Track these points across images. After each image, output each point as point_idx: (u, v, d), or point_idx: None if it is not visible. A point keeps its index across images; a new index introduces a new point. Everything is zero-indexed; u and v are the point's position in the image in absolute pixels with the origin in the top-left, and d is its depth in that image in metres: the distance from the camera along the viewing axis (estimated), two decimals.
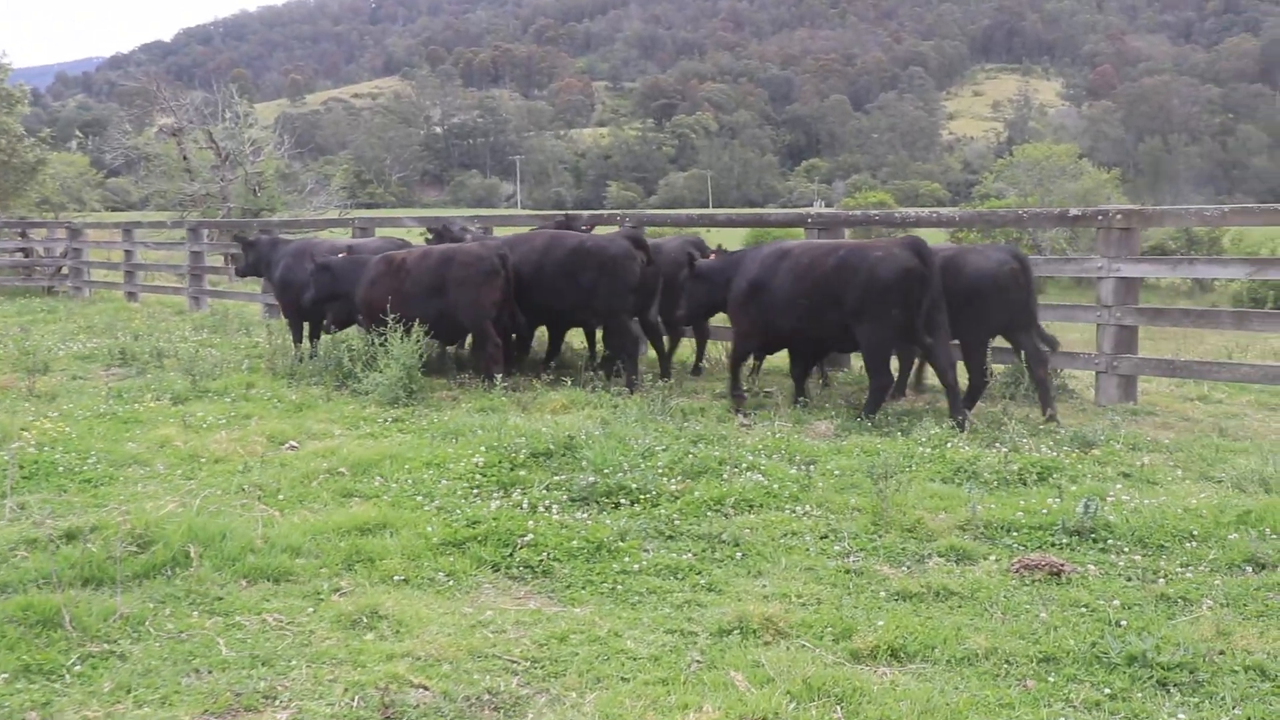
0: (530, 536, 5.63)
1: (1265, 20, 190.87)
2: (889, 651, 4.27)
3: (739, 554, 5.48)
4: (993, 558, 5.36)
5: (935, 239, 13.26)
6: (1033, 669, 4.13)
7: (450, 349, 11.92)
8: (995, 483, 6.56)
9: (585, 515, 6.04)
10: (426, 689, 4.01)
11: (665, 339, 11.21)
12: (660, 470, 6.72)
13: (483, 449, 7.22)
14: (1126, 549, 5.41)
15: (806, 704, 3.84)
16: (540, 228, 12.24)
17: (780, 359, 10.65)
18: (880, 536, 5.69)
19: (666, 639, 4.45)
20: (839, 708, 3.82)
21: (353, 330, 11.38)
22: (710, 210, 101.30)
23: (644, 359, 11.57)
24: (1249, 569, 5.13)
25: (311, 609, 4.80)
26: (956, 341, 8.88)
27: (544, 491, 6.46)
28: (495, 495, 6.45)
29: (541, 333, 11.89)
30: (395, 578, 5.18)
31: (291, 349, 11.84)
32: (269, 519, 5.95)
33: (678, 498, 6.27)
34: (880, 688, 3.96)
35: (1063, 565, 5.14)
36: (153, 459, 7.45)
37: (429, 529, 5.77)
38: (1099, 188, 44.86)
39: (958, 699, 3.86)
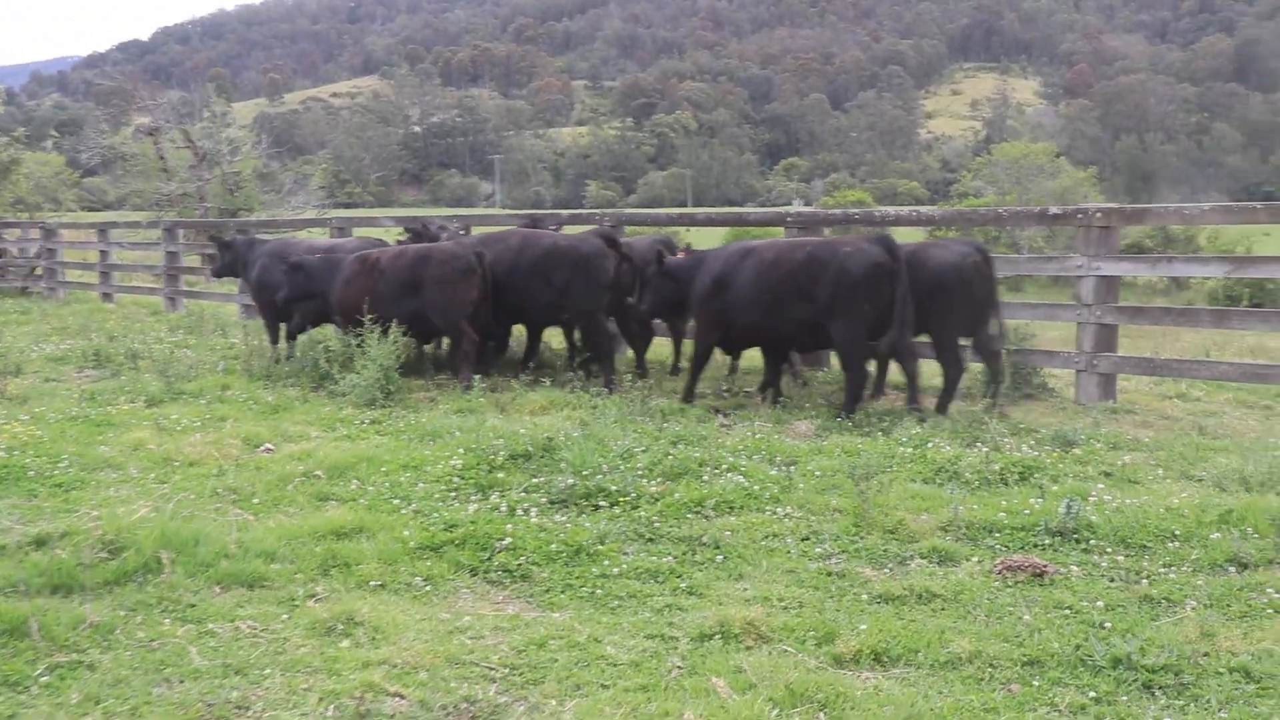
0: (509, 540, 5.56)
1: (1239, 20, 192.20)
2: (872, 656, 4.23)
3: (720, 557, 5.42)
4: (975, 559, 5.32)
5: (915, 238, 13.25)
6: (1017, 673, 4.09)
7: (428, 349, 11.84)
8: (977, 483, 6.52)
9: (564, 518, 5.98)
10: (403, 698, 3.94)
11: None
12: (640, 472, 6.66)
13: (461, 451, 7.16)
14: (1109, 549, 5.38)
15: (789, 710, 3.79)
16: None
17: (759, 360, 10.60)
18: (862, 538, 5.65)
19: (647, 644, 4.39)
20: (822, 714, 3.77)
21: (330, 330, 11.28)
22: (690, 209, 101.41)
23: (624, 359, 11.53)
24: (1232, 569, 5.10)
25: (286, 616, 4.72)
26: (927, 338, 8.98)
27: (522, 494, 6.39)
28: (473, 498, 6.38)
29: (520, 332, 11.82)
30: (371, 583, 5.10)
31: (268, 350, 11.72)
32: (243, 523, 5.86)
33: (658, 500, 6.21)
34: (864, 693, 3.91)
35: (1046, 566, 5.11)
36: (126, 463, 7.34)
37: (406, 533, 5.69)
38: (1076, 186, 45.07)
39: (942, 704, 3.82)
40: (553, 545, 5.49)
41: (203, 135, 37.04)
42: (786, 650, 4.30)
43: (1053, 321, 11.73)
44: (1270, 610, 4.61)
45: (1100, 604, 4.70)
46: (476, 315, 10.27)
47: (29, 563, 5.05)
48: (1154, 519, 5.68)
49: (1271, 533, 5.37)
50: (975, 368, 9.95)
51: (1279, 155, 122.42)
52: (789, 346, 9.60)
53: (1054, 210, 10.15)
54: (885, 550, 5.48)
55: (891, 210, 13.80)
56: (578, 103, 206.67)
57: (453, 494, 6.46)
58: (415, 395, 9.69)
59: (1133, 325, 10.88)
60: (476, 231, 13.04)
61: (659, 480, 6.55)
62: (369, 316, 9.79)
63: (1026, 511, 5.84)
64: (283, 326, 12.16)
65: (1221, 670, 4.05)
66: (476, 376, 9.61)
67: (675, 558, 5.42)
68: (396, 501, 6.31)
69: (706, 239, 27.97)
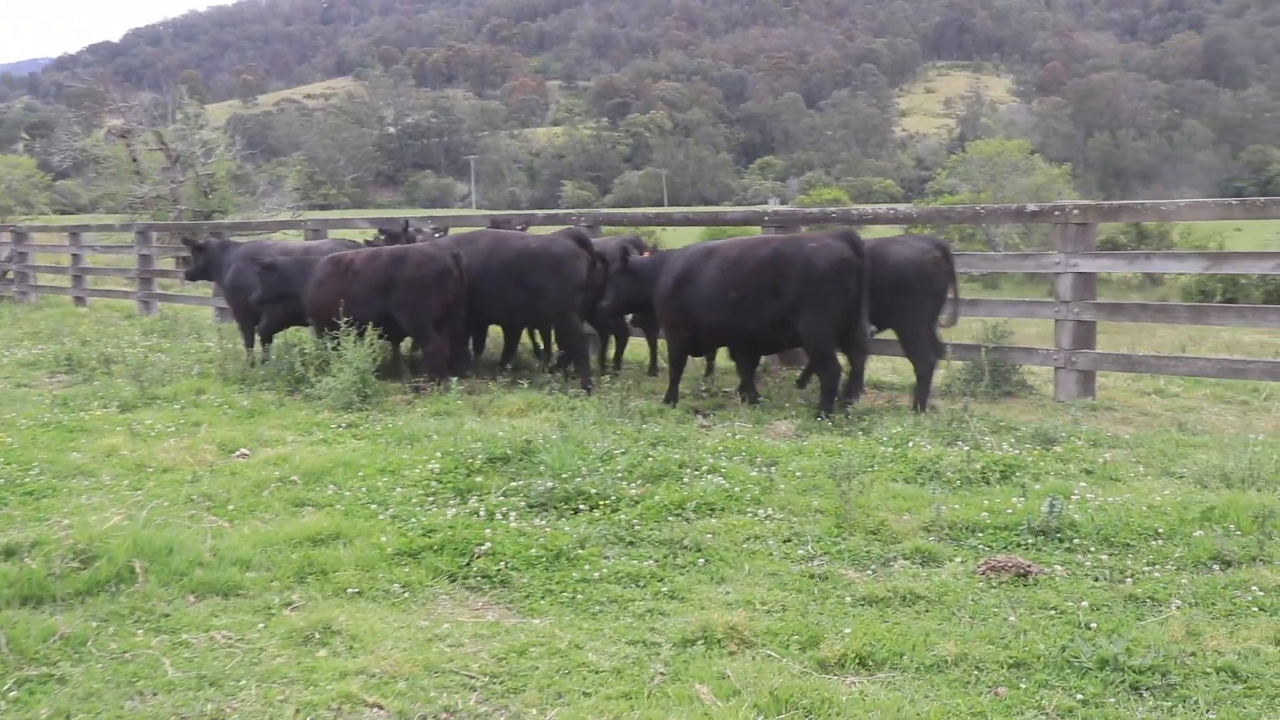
0: (488, 545, 5.49)
1: (1208, 17, 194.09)
2: (857, 660, 4.18)
3: (701, 560, 5.37)
4: (959, 559, 5.28)
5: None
6: (1004, 675, 4.05)
7: (405, 351, 11.74)
8: (958, 482, 6.49)
9: (544, 522, 5.91)
10: (381, 708, 3.87)
11: (613, 338, 11.43)
12: (619, 474, 6.60)
13: (438, 454, 7.08)
14: (1093, 548, 5.35)
15: (774, 717, 3.74)
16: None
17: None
18: (844, 539, 5.60)
19: (629, 650, 4.34)
20: None
21: (306, 333, 11.17)
22: (666, 209, 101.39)
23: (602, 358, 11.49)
24: (1216, 567, 5.08)
25: (262, 625, 4.64)
26: (890, 334, 9.10)
27: (501, 498, 6.32)
28: (451, 502, 6.31)
29: (498, 333, 11.76)
30: (349, 590, 5.02)
31: (243, 354, 11.59)
32: (218, 531, 5.77)
33: (638, 502, 6.14)
34: (849, 698, 3.86)
35: (1030, 566, 5.07)
36: (98, 469, 7.22)
37: (383, 539, 5.61)
38: (1050, 183, 45.34)
39: (929, 709, 3.78)
40: (532, 550, 5.42)
41: (176, 137, 36.71)
42: (770, 655, 4.25)
43: (1030, 319, 11.75)
44: (1255, 608, 4.59)
45: (1085, 604, 4.67)
46: (454, 317, 10.18)
47: None
48: (1137, 517, 5.66)
49: (1254, 530, 5.35)
50: (956, 365, 9.95)
51: (1249, 151, 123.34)
52: (757, 346, 9.53)
53: (1031, 207, 10.16)
54: (868, 551, 5.44)
55: (869, 208, 13.78)
56: (553, 103, 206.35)
57: (430, 498, 6.39)
58: (392, 398, 9.59)
59: (1110, 322, 10.90)
60: (454, 233, 12.96)
61: (639, 483, 6.49)
62: (343, 319, 9.68)
63: (1009, 511, 5.81)
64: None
65: (1208, 670, 4.02)
66: (454, 379, 9.51)
67: (656, 561, 5.36)
68: (374, 507, 6.23)
69: (683, 239, 27.88)
